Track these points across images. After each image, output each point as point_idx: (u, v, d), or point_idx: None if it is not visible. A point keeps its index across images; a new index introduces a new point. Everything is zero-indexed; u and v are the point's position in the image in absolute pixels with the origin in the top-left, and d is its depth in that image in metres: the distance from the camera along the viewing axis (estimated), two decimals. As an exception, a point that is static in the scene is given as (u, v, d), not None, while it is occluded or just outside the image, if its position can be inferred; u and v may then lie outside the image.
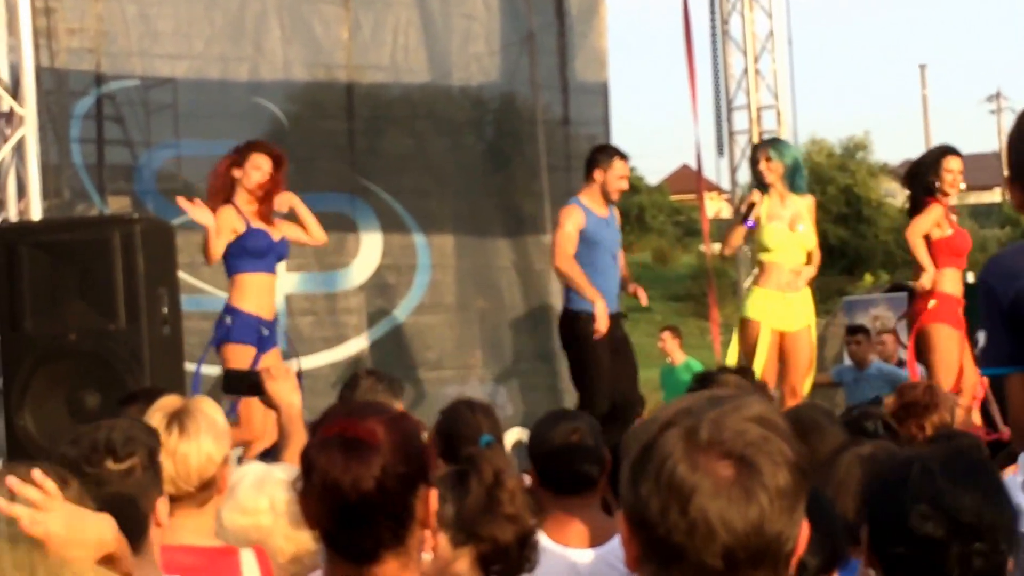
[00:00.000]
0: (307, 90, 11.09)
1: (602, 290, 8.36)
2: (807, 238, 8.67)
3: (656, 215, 41.28)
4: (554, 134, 11.81)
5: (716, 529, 1.59)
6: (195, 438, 3.39)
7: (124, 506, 2.97)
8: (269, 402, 4.21)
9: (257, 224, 7.55)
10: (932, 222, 8.40)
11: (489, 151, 11.83)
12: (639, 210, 40.39)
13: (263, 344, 7.49)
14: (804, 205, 8.72)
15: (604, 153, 8.72)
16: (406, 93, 11.38)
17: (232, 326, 7.44)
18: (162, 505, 3.10)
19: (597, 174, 8.54)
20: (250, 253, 7.48)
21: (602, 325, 8.21)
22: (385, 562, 2.36)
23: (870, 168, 41.45)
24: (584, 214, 8.48)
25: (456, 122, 11.50)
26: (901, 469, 2.30)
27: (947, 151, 8.50)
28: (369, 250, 11.03)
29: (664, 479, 1.61)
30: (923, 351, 8.48)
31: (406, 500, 2.36)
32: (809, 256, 8.75)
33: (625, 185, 8.71)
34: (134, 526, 2.99)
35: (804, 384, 8.66)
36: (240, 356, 7.36)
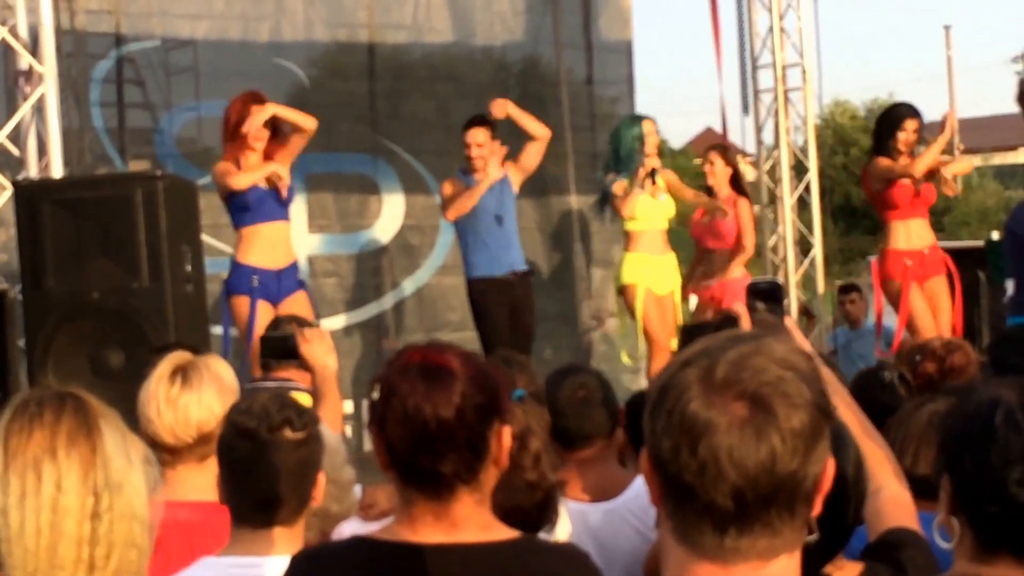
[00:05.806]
0: (328, 51, 11.00)
1: (487, 256, 8.80)
2: (669, 206, 9.32)
3: (680, 178, 41.02)
4: (578, 94, 11.70)
5: (725, 468, 1.57)
6: (197, 390, 3.40)
7: (295, 473, 3.01)
8: (304, 365, 4.22)
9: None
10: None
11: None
12: (662, 174, 40.18)
13: (266, 293, 7.49)
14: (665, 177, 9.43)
15: (465, 123, 9.04)
16: (428, 54, 11.29)
17: (229, 279, 7.63)
18: (320, 481, 3.10)
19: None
20: (245, 206, 7.55)
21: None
22: (460, 497, 2.40)
23: (894, 130, 41.15)
24: (462, 183, 8.90)
25: (479, 84, 11.40)
26: (982, 419, 2.12)
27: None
28: (391, 211, 10.96)
29: (676, 417, 1.59)
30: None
31: (483, 431, 2.41)
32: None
33: (471, 153, 8.96)
34: (300, 495, 3.04)
35: (671, 342, 8.85)
36: (238, 306, 7.52)
